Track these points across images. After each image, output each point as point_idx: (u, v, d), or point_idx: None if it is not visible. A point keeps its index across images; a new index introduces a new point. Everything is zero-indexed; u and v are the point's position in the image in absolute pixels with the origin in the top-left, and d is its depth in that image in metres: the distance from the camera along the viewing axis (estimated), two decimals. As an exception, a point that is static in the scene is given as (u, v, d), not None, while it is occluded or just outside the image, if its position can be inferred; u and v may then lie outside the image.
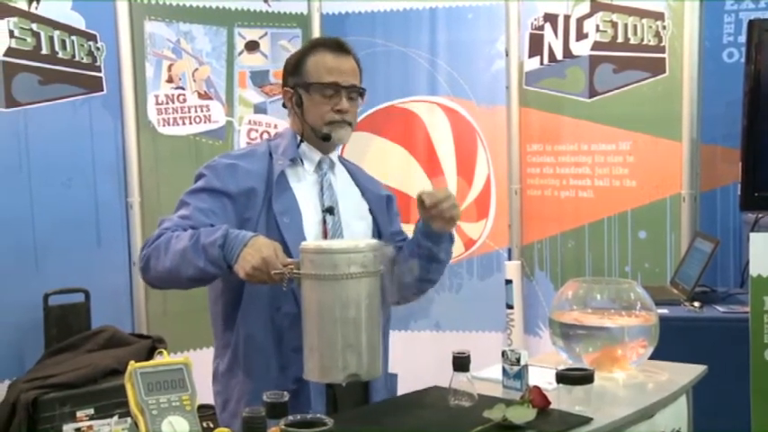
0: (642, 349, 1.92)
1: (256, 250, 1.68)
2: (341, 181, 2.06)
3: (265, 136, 3.66)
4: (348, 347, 1.60)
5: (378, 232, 2.04)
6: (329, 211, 1.96)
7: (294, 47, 3.78)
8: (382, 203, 2.11)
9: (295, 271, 1.64)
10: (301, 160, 2.00)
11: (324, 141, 1.97)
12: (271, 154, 1.98)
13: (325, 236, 1.93)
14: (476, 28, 3.77)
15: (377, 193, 2.12)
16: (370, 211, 2.06)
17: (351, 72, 1.99)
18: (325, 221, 1.94)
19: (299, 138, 2.01)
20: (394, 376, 2.09)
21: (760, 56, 2.88)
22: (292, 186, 1.96)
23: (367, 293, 1.61)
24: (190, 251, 1.74)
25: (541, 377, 1.77)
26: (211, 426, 2.04)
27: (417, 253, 1.94)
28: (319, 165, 2.01)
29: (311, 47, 2.02)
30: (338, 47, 2.00)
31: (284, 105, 2.07)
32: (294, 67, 2.00)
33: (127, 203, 3.40)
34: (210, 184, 1.90)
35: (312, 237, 1.91)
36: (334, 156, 2.06)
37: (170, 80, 3.55)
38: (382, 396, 1.95)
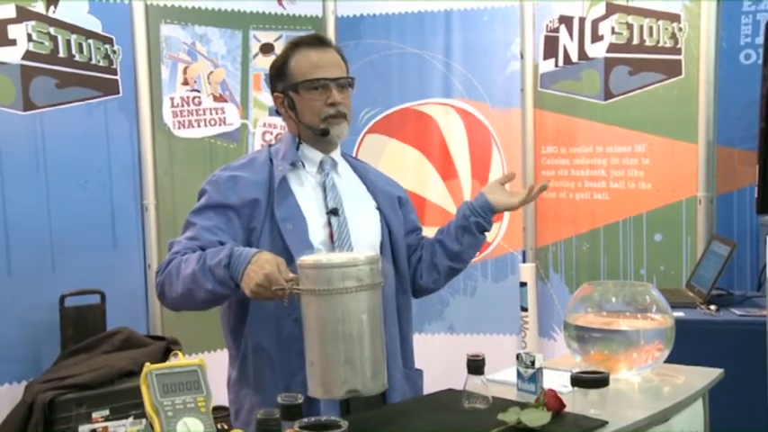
0: (658, 352, 1.91)
1: (259, 267, 1.68)
2: (345, 179, 2.04)
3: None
4: (347, 363, 1.58)
5: (388, 229, 2.02)
6: (333, 212, 1.93)
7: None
8: (393, 202, 2.09)
9: (295, 286, 1.63)
10: (302, 163, 1.98)
11: (323, 137, 1.95)
12: (272, 160, 1.97)
13: (331, 238, 1.92)
14: (491, 30, 3.77)
15: (388, 191, 2.10)
16: (378, 207, 2.04)
17: (335, 64, 1.97)
18: (330, 224, 1.93)
19: (297, 140, 1.99)
20: (419, 373, 2.08)
21: (777, 57, 2.86)
22: (294, 191, 1.94)
23: (364, 307, 1.59)
24: (198, 274, 1.75)
25: (556, 380, 1.76)
26: (226, 427, 2.05)
27: (463, 224, 2.06)
28: (321, 165, 1.99)
29: (291, 47, 1.99)
30: (318, 41, 1.99)
31: (278, 112, 2.06)
32: (280, 72, 1.99)
33: (142, 206, 3.42)
34: (213, 199, 1.90)
35: (318, 241, 1.90)
36: (336, 154, 2.03)
37: (185, 83, 3.57)
38: (402, 395, 1.94)
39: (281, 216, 1.88)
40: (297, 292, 1.62)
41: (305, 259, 1.63)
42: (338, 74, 1.96)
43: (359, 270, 1.58)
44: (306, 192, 1.95)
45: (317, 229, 1.91)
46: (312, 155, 1.99)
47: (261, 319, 1.87)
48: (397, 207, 2.09)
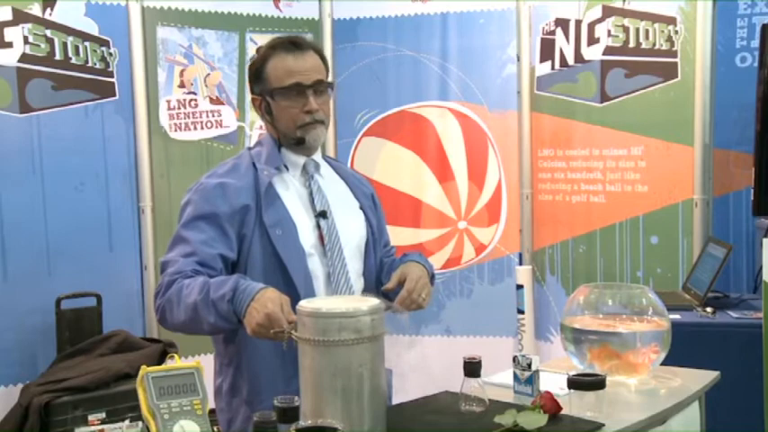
0: (654, 355, 1.91)
1: (262, 306, 1.64)
2: (329, 181, 2.02)
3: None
4: (343, 421, 1.42)
5: (370, 231, 2.02)
6: (322, 215, 1.91)
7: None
8: (370, 201, 2.08)
9: (293, 332, 1.54)
10: (286, 167, 1.95)
11: (298, 145, 1.92)
12: (255, 164, 1.92)
13: (321, 241, 1.90)
14: (487, 33, 3.77)
15: (363, 190, 2.09)
16: (361, 208, 2.03)
17: (313, 68, 1.91)
18: (319, 227, 1.91)
19: (279, 144, 1.96)
20: (388, 371, 2.05)
21: (773, 60, 2.86)
22: (281, 195, 1.91)
23: (362, 361, 1.47)
24: (201, 306, 1.70)
25: (553, 383, 1.76)
26: (221, 430, 2.05)
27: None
28: (305, 168, 1.97)
29: (268, 50, 1.93)
30: (294, 45, 1.92)
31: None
32: (257, 75, 1.95)
33: (139, 208, 3.42)
34: (202, 210, 1.84)
35: (309, 244, 1.88)
36: (317, 156, 2.00)
37: (182, 85, 3.57)
38: None
39: (270, 222, 1.85)
40: (295, 337, 1.53)
41: (304, 305, 1.53)
42: (315, 78, 1.90)
43: (358, 321, 1.46)
44: (293, 195, 1.93)
45: (306, 233, 1.90)
46: (295, 158, 1.96)
47: None
48: (373, 208, 2.08)
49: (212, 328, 1.74)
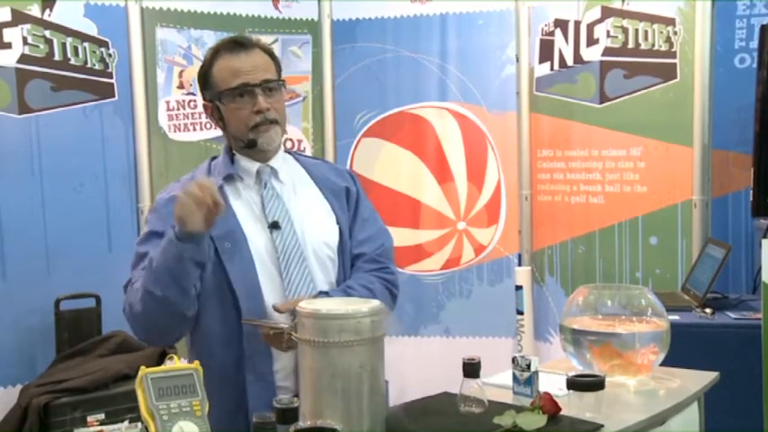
0: (653, 356, 1.91)
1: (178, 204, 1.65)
2: (293, 185, 1.91)
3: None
4: (342, 422, 1.43)
5: (340, 232, 1.91)
6: (274, 226, 1.82)
7: (304, 53, 3.80)
8: (341, 197, 1.95)
9: (294, 333, 1.53)
10: (239, 176, 1.88)
11: (250, 149, 1.84)
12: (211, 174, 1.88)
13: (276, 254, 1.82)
14: (486, 34, 3.77)
15: (333, 185, 1.96)
16: (332, 209, 1.92)
17: (260, 67, 1.84)
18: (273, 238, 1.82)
19: (232, 152, 1.90)
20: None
21: (772, 61, 2.87)
22: (233, 205, 1.83)
23: (362, 362, 1.47)
24: (150, 277, 1.69)
25: (552, 383, 1.76)
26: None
27: None
28: (258, 175, 1.88)
29: (213, 53, 1.87)
30: (238, 45, 1.85)
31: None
32: (204, 80, 1.88)
33: (138, 209, 3.42)
34: (155, 227, 1.81)
35: (262, 258, 1.81)
36: (276, 161, 1.90)
37: (181, 86, 3.56)
38: None
39: (217, 234, 1.76)
40: (295, 338, 1.53)
41: (304, 306, 1.52)
42: (262, 77, 1.83)
43: (358, 323, 1.47)
44: (244, 206, 1.85)
45: (259, 245, 1.82)
46: (248, 165, 1.88)
47: (209, 333, 1.79)
48: (344, 204, 1.95)
49: (172, 291, 1.68)
